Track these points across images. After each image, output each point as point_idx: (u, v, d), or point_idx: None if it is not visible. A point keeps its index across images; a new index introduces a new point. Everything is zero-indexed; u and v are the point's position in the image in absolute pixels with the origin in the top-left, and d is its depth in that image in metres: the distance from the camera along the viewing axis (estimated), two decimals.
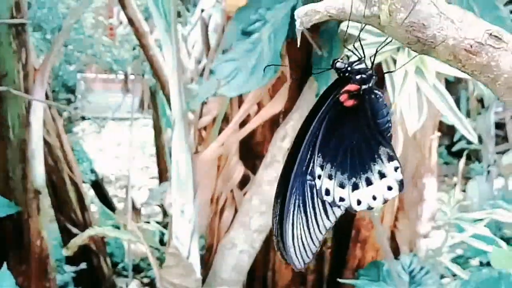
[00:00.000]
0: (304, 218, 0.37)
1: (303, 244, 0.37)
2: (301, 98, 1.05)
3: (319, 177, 0.36)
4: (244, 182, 1.15)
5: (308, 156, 0.36)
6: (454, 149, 2.25)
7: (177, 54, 0.99)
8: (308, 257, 0.37)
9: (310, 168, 0.36)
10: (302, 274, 1.22)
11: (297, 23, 0.37)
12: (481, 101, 2.63)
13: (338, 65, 0.37)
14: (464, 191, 2.33)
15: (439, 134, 1.22)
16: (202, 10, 1.21)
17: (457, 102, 2.75)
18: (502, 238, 1.77)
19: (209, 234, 1.19)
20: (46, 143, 1.84)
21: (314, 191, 0.36)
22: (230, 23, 0.93)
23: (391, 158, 0.36)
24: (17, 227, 1.50)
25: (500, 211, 0.94)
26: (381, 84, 1.01)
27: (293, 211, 0.37)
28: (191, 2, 2.72)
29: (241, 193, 1.15)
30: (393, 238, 1.24)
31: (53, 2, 2.31)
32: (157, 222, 2.35)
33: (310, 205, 0.37)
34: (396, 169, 0.36)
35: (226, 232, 1.15)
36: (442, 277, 1.47)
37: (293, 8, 0.88)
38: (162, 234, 2.08)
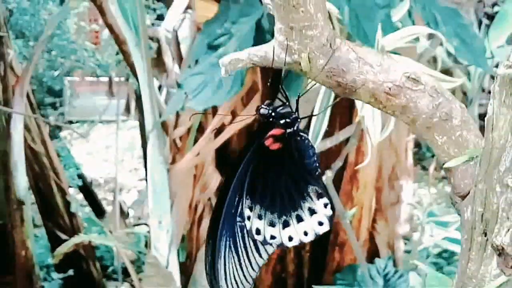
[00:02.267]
0: (236, 257, 0.38)
1: (236, 282, 0.38)
2: None
3: (249, 218, 0.37)
4: None
5: (237, 199, 0.37)
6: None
7: (149, 68, 0.99)
8: None
9: (239, 210, 0.37)
10: (282, 278, 1.23)
11: (222, 71, 0.38)
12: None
13: (262, 111, 0.38)
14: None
15: (414, 136, 1.23)
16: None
17: None
18: None
19: (188, 243, 1.20)
20: (31, 150, 1.85)
21: (245, 231, 0.38)
22: (199, 36, 0.94)
23: (320, 196, 0.37)
24: (0, 239, 1.51)
25: None
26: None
27: (224, 252, 0.38)
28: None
29: None
30: (372, 239, 1.26)
31: (35, 9, 2.30)
32: (147, 224, 2.36)
33: (241, 245, 0.38)
34: (325, 205, 0.38)
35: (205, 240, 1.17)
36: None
37: (258, 22, 0.89)
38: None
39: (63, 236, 1.99)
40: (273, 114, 0.37)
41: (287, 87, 0.97)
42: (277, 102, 0.39)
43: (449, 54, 1.62)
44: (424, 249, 1.39)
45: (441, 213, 1.37)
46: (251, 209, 0.37)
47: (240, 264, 0.38)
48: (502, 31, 1.59)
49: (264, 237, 0.37)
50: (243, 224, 0.38)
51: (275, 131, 0.37)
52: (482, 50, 0.89)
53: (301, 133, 0.38)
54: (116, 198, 2.14)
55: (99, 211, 2.63)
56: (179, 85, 0.89)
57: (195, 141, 1.13)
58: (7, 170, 1.51)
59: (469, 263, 0.37)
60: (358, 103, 0.86)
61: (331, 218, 0.38)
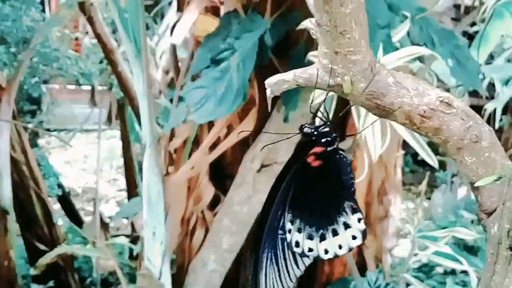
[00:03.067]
0: (276, 268, 0.40)
1: None
2: (269, 121, 1.08)
3: (290, 231, 0.39)
4: (214, 203, 1.17)
5: (279, 213, 0.39)
6: (420, 157, 2.32)
7: (148, 81, 1.00)
8: None
9: (281, 223, 0.39)
10: None
11: (268, 91, 0.40)
12: None
13: (306, 130, 0.40)
14: (429, 199, 2.40)
15: (403, 152, 1.27)
16: (171, 31, 1.22)
17: None
18: (465, 247, 1.83)
19: (180, 254, 1.20)
20: (12, 159, 1.82)
21: (285, 244, 0.39)
22: (199, 50, 0.95)
23: (354, 211, 0.40)
24: None
25: (460, 229, 0.99)
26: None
27: (266, 263, 0.39)
28: (159, 14, 2.72)
29: (211, 214, 1.16)
30: (360, 253, 1.28)
31: (17, 15, 2.28)
32: (126, 236, 2.34)
33: (282, 257, 0.40)
34: (359, 220, 0.40)
35: (197, 252, 1.17)
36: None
37: (261, 38, 0.91)
38: (131, 248, 2.08)
39: (42, 247, 1.96)
40: (315, 133, 0.39)
41: (286, 102, 0.98)
42: (318, 122, 0.41)
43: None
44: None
45: (422, 226, 1.39)
46: (292, 222, 0.39)
47: (280, 275, 0.40)
48: (482, 50, 1.64)
49: (303, 250, 0.39)
50: (284, 237, 0.39)
51: (317, 149, 0.39)
52: (476, 71, 0.92)
53: (340, 151, 0.40)
54: (97, 209, 2.12)
55: (76, 222, 2.59)
56: (181, 98, 0.90)
57: (190, 153, 1.13)
58: None
59: (494, 276, 0.39)
60: (355, 120, 0.88)
61: (364, 232, 0.40)
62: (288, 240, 0.39)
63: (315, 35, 0.40)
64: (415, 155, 3.00)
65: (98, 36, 1.72)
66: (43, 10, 2.88)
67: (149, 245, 1.10)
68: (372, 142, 0.85)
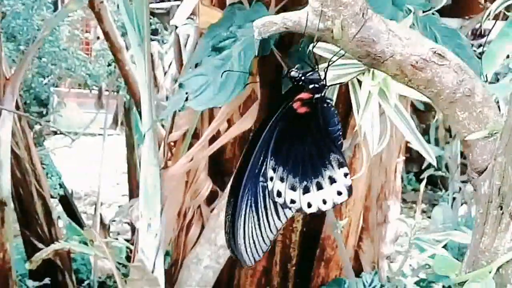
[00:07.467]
0: (255, 217, 0.38)
1: (254, 243, 0.38)
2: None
3: (271, 179, 0.38)
4: (212, 198, 1.16)
5: (261, 159, 0.38)
6: (423, 176, 2.32)
7: (149, 69, 1.00)
8: (259, 255, 0.39)
9: (263, 170, 0.38)
10: None
11: (255, 33, 0.39)
12: (449, 130, 2.70)
13: (293, 74, 0.39)
14: (430, 217, 2.39)
15: (403, 157, 1.25)
16: (176, 27, 1.23)
17: (427, 130, 2.83)
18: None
19: (175, 249, 1.19)
20: (14, 155, 1.82)
21: (266, 192, 0.38)
22: (202, 39, 0.95)
23: (341, 165, 0.38)
24: None
25: (457, 233, 0.97)
26: (349, 104, 1.04)
27: (245, 211, 0.38)
28: (170, 21, 2.75)
29: (208, 209, 1.15)
30: (357, 258, 1.26)
31: (28, 13, 2.30)
32: (126, 240, 2.33)
33: (262, 206, 0.38)
34: (345, 175, 0.38)
35: (192, 248, 1.16)
36: None
37: None
38: (130, 250, 2.06)
39: (40, 245, 1.94)
40: (302, 78, 0.39)
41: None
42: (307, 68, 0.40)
43: None
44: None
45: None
46: (274, 170, 0.38)
47: (259, 224, 0.38)
48: (487, 70, 1.64)
49: (285, 200, 0.38)
50: (265, 184, 0.38)
51: (304, 95, 0.38)
52: (478, 70, 0.91)
53: (328, 100, 0.39)
54: (98, 209, 2.11)
55: (78, 225, 2.58)
56: (180, 85, 0.89)
57: (190, 147, 1.13)
58: None
59: (483, 237, 0.37)
60: (355, 113, 0.87)
61: (350, 188, 0.38)
62: (270, 188, 0.38)
63: None
64: (418, 174, 3.00)
65: (106, 34, 1.73)
66: (56, 10, 2.91)
67: (144, 238, 1.09)
68: (371, 135, 0.84)
